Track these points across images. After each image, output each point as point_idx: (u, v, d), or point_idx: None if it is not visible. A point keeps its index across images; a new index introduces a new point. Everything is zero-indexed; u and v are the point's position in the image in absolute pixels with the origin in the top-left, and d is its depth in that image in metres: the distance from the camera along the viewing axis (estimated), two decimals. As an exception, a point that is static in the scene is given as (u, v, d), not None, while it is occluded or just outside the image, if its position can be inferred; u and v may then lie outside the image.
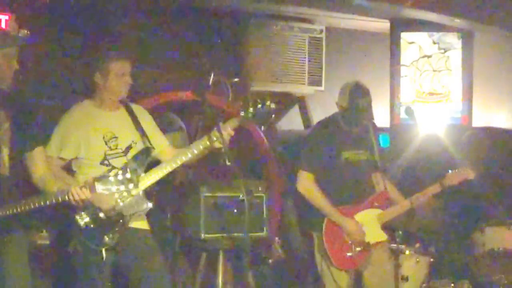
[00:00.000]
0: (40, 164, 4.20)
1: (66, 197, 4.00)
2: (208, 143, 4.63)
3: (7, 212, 3.98)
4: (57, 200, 4.02)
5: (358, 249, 5.21)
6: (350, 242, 5.21)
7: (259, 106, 4.69)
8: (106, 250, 4.46)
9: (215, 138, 4.61)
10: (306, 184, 5.23)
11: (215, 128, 4.61)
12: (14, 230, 4.12)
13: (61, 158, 4.62)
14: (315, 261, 5.31)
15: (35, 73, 5.94)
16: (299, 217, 6.32)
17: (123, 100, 4.76)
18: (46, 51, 6.09)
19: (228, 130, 4.63)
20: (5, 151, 4.07)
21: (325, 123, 5.42)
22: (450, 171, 5.39)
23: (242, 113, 4.70)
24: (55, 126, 4.66)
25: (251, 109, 4.69)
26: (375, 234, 5.29)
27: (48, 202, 4.01)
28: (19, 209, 3.98)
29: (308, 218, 5.36)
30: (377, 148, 5.40)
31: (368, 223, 5.27)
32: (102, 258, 4.44)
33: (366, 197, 5.31)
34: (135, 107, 4.83)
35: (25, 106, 4.20)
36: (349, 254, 5.20)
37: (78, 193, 3.98)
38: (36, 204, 3.99)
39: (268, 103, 4.70)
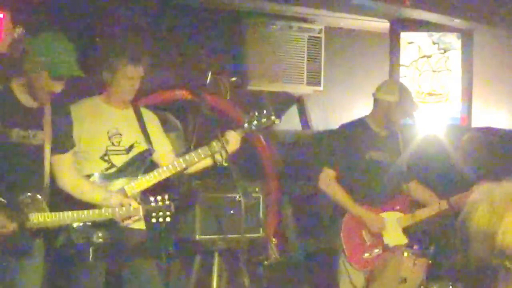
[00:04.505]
0: (71, 169, 4.14)
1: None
2: (209, 152, 4.67)
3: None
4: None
5: (376, 250, 5.19)
6: (368, 243, 5.19)
7: (264, 120, 4.78)
8: (94, 249, 4.43)
9: (217, 148, 4.64)
10: (327, 180, 5.23)
11: (217, 139, 4.65)
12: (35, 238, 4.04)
13: None
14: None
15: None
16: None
17: (133, 102, 4.80)
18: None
19: (231, 140, 4.68)
20: (47, 156, 3.98)
21: (352, 124, 5.43)
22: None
23: (245, 125, 4.79)
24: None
25: (255, 122, 4.78)
26: (395, 237, 5.27)
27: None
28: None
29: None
30: (405, 156, 5.39)
31: (389, 225, 5.26)
32: (89, 256, 4.41)
33: (388, 199, 5.28)
34: (144, 111, 4.86)
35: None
36: (366, 255, 5.19)
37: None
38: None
39: (272, 118, 4.80)
